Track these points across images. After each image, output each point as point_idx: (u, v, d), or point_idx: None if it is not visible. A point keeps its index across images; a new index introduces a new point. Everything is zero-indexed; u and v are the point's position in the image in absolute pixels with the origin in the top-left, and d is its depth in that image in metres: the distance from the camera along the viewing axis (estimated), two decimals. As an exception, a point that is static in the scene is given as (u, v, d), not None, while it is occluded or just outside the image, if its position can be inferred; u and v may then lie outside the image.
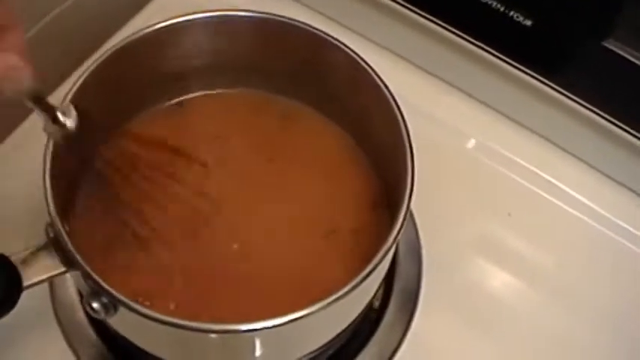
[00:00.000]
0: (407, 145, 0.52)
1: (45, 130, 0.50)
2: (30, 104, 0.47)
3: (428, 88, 0.76)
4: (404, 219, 0.50)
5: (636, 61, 0.62)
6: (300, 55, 0.59)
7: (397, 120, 0.53)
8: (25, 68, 0.44)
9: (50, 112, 0.49)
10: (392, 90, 0.55)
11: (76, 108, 0.50)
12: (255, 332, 0.47)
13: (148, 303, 0.53)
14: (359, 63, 0.55)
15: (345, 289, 0.47)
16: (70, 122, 0.50)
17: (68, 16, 0.74)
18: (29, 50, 0.44)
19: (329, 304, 0.47)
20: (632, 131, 0.67)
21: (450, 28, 0.70)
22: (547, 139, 0.74)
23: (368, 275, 0.48)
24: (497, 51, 0.69)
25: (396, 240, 0.49)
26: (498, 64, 0.70)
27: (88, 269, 0.47)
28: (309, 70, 0.60)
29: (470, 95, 0.76)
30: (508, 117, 0.75)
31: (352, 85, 0.57)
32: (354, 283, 0.48)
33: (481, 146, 0.74)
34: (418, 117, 0.70)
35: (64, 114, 0.49)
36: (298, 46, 0.58)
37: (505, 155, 0.73)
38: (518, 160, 0.73)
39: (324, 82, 0.60)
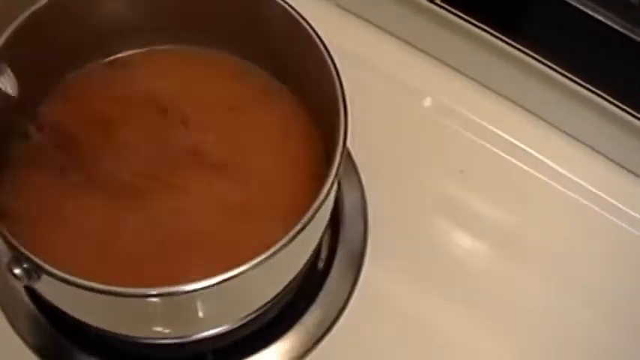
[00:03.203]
0: (339, 91, 0.51)
1: None
2: None
3: (384, 46, 0.75)
4: (338, 168, 0.49)
5: (589, 12, 0.61)
6: (239, 10, 0.57)
7: (329, 67, 0.52)
8: None
9: None
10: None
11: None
12: (193, 293, 0.46)
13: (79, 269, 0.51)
14: (292, 15, 0.54)
15: (280, 245, 0.47)
16: (9, 86, 0.47)
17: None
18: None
19: (265, 259, 0.46)
20: (587, 85, 0.66)
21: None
22: (505, 97, 0.73)
23: (301, 230, 0.47)
24: (450, 5, 0.68)
25: (330, 193, 0.49)
26: (452, 19, 0.68)
27: (6, 233, 0.46)
28: (248, 26, 0.58)
29: (426, 52, 0.74)
30: (463, 73, 0.73)
31: (288, 37, 0.56)
32: (289, 236, 0.47)
33: (435, 103, 0.73)
34: (370, 74, 0.72)
35: None
36: (232, 1, 0.57)
37: (458, 111, 0.72)
38: (472, 116, 0.72)
39: (264, 37, 0.58)
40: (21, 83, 0.51)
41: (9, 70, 0.47)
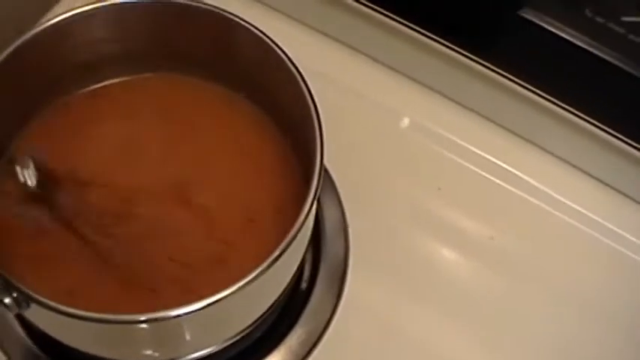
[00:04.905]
0: (313, 111, 0.52)
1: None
2: None
3: (358, 66, 0.76)
4: (316, 189, 0.50)
5: (553, 30, 0.62)
6: (209, 36, 0.58)
7: (302, 90, 0.53)
8: None
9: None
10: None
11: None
12: (180, 318, 0.47)
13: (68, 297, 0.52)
14: (264, 40, 0.55)
15: (262, 267, 0.48)
16: (29, 180, 0.48)
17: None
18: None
19: (248, 282, 0.47)
20: (557, 101, 0.67)
21: (371, 5, 0.70)
22: (480, 115, 0.74)
23: (281, 254, 0.48)
24: (417, 25, 0.69)
25: (309, 213, 0.49)
26: (422, 39, 0.70)
27: (-6, 264, 0.47)
28: (220, 51, 0.59)
29: (402, 73, 0.75)
30: (438, 92, 0.75)
31: (262, 63, 0.57)
32: (270, 260, 0.48)
33: (412, 123, 0.74)
34: (347, 96, 0.73)
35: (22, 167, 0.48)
36: (205, 28, 0.58)
37: (434, 130, 0.73)
38: (448, 135, 0.73)
39: (237, 62, 0.59)
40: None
41: (32, 164, 0.48)
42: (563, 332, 0.65)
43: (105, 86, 0.62)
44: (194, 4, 0.57)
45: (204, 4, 0.57)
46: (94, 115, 0.61)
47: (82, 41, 0.58)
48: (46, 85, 0.59)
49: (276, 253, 0.48)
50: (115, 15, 0.57)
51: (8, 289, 0.47)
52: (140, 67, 0.61)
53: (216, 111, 0.61)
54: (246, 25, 0.56)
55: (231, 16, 0.56)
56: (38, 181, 0.49)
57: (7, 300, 0.47)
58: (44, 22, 0.55)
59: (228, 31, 0.57)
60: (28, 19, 0.68)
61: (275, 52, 0.55)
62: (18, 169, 0.48)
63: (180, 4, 0.57)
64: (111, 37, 0.59)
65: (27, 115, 0.59)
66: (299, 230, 0.49)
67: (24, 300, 0.47)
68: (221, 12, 0.56)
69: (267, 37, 0.55)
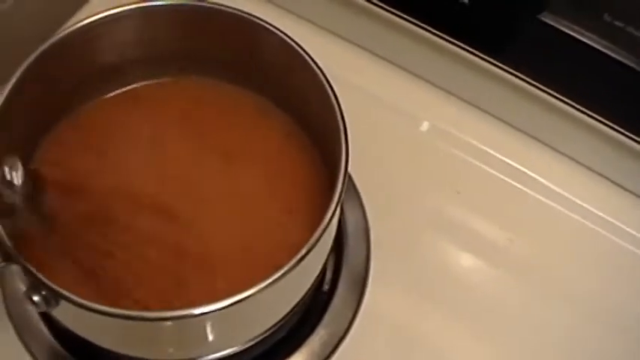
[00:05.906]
0: (339, 117, 0.53)
1: None
2: None
3: (377, 70, 0.77)
4: (340, 196, 0.50)
5: (572, 34, 0.63)
6: (234, 40, 0.59)
7: (329, 95, 0.53)
8: None
9: None
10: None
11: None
12: (205, 315, 0.47)
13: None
14: (289, 44, 0.56)
15: (286, 268, 0.48)
16: (17, 179, 0.47)
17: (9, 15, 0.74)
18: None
19: (271, 283, 0.47)
20: (576, 105, 0.68)
21: (391, 9, 0.71)
22: (499, 119, 0.75)
23: (306, 254, 0.49)
24: (438, 30, 0.70)
25: (333, 217, 0.50)
26: (442, 43, 0.70)
27: (24, 262, 0.47)
28: (245, 55, 0.60)
29: (421, 77, 0.76)
30: (457, 96, 0.75)
31: (288, 67, 0.57)
32: (294, 260, 0.48)
33: (431, 127, 0.74)
34: (368, 100, 0.74)
35: (10, 169, 0.47)
36: (231, 32, 0.58)
37: (453, 134, 0.74)
38: (467, 139, 0.74)
39: (262, 65, 0.60)
40: (28, 120, 0.54)
41: (20, 164, 0.48)
42: (588, 338, 0.65)
43: (130, 89, 0.62)
44: (219, 7, 0.57)
45: (230, 7, 0.57)
46: (119, 118, 0.61)
47: (107, 45, 0.59)
48: (70, 89, 0.59)
49: (302, 253, 0.48)
50: (139, 18, 0.58)
51: (37, 286, 0.48)
52: (165, 70, 0.62)
53: (241, 114, 0.62)
54: (271, 28, 0.56)
55: (257, 20, 0.56)
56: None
57: (35, 297, 0.48)
58: (69, 27, 0.56)
59: (254, 34, 0.57)
60: (53, 24, 0.69)
61: (300, 55, 0.55)
62: (6, 168, 0.48)
63: (206, 7, 0.58)
64: (136, 41, 0.59)
65: (53, 118, 0.60)
66: (323, 232, 0.49)
67: (52, 297, 0.48)
68: (246, 16, 0.57)
69: (292, 40, 0.56)
